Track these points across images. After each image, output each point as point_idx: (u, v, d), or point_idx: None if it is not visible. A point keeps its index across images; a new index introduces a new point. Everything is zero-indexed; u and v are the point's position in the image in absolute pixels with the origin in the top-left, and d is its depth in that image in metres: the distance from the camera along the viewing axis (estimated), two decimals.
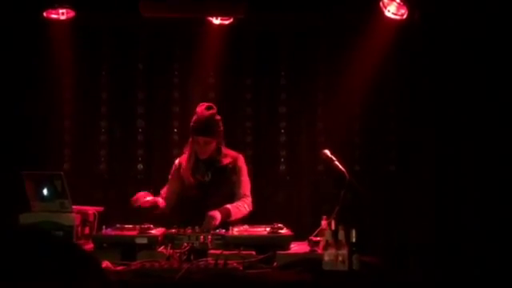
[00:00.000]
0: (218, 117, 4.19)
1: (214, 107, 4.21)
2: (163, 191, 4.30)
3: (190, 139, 4.20)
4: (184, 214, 4.19)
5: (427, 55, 5.22)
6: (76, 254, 0.73)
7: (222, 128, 4.20)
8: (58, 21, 5.10)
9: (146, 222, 3.65)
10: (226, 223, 3.85)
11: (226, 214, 3.95)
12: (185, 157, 4.27)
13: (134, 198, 3.97)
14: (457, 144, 5.09)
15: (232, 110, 5.57)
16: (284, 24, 5.45)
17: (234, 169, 4.22)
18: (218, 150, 4.19)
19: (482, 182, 4.98)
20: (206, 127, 4.09)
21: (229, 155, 4.24)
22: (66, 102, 5.48)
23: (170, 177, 4.35)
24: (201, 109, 4.17)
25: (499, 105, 4.96)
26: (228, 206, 4.02)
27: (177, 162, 4.34)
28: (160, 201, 4.12)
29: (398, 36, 5.15)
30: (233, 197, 4.18)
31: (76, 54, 5.36)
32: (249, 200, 4.20)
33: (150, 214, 4.02)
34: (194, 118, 4.15)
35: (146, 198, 3.97)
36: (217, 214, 3.86)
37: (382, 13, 5.01)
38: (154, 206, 4.04)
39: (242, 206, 4.13)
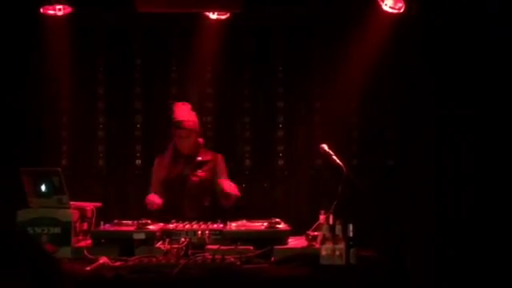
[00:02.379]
0: (194, 112, 4.45)
1: (188, 103, 4.50)
2: (151, 188, 4.44)
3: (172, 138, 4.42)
4: (164, 207, 4.28)
5: (425, 49, 5.20)
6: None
7: (198, 123, 4.44)
8: (54, 17, 5.08)
9: (143, 218, 3.66)
10: (224, 219, 3.87)
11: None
12: (166, 154, 4.46)
13: (148, 201, 4.15)
14: (456, 138, 5.08)
15: (230, 105, 5.57)
16: (281, 18, 5.44)
17: (214, 166, 4.39)
18: (197, 146, 4.40)
19: (482, 176, 4.98)
20: (184, 121, 4.33)
21: (208, 152, 4.48)
22: (63, 98, 5.47)
23: (152, 174, 4.49)
24: (179, 105, 4.46)
25: (500, 99, 4.95)
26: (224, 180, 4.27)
27: (157, 159, 4.53)
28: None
29: (395, 30, 5.13)
30: (209, 191, 4.35)
31: (73, 50, 5.34)
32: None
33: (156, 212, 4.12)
34: (174, 113, 4.40)
35: (157, 201, 4.14)
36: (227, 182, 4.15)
37: (380, 6, 5.00)
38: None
39: (234, 188, 4.24)
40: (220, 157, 4.48)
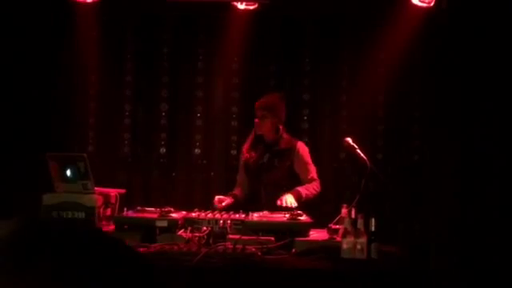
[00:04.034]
0: (282, 101, 4.38)
1: (282, 93, 4.47)
2: (238, 177, 4.46)
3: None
4: (248, 195, 4.35)
5: (454, 43, 5.13)
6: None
7: (283, 111, 4.36)
8: (84, 3, 5.13)
9: (166, 205, 3.68)
10: (266, 206, 3.90)
11: (298, 196, 4.02)
12: (247, 139, 4.44)
13: (216, 201, 4.09)
14: (483, 133, 5.01)
15: (255, 96, 5.56)
16: (309, 10, 5.41)
17: (291, 154, 4.30)
18: (277, 131, 4.29)
19: (509, 172, 4.91)
20: (264, 103, 4.28)
21: (288, 140, 4.35)
22: (91, 85, 5.52)
23: (239, 162, 4.49)
24: (270, 92, 4.47)
25: None
26: (299, 188, 4.11)
27: (242, 148, 4.49)
28: (236, 195, 4.26)
29: (424, 23, 5.07)
30: (287, 180, 4.25)
31: (101, 38, 5.39)
32: (317, 183, 4.28)
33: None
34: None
35: (220, 203, 4.07)
36: (290, 196, 3.95)
37: (409, 0, 4.95)
38: (234, 202, 4.18)
39: (312, 188, 4.20)
40: (299, 144, 4.38)
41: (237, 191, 4.32)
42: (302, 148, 4.36)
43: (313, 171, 4.32)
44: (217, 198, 4.11)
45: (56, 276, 0.79)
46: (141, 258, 0.89)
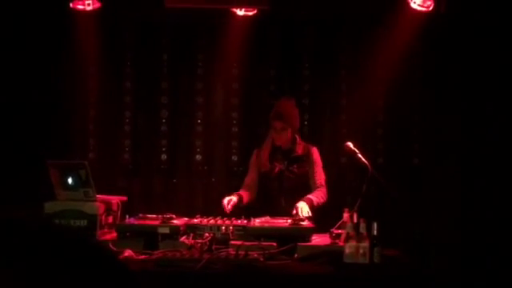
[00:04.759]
0: (296, 108, 4.38)
1: (293, 99, 4.44)
2: (247, 180, 4.43)
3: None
4: (260, 201, 4.34)
5: (453, 47, 5.15)
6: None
7: (298, 119, 4.38)
8: (84, 11, 5.14)
9: (168, 212, 3.68)
10: (248, 214, 3.88)
11: (311, 204, 4.02)
12: (264, 148, 4.40)
13: (223, 204, 4.06)
14: (482, 137, 5.02)
15: (255, 102, 5.57)
16: (308, 15, 5.42)
17: (308, 159, 4.32)
18: (294, 140, 4.32)
19: (509, 175, 4.92)
20: (282, 114, 4.26)
21: (304, 146, 4.36)
22: (91, 92, 5.52)
23: (250, 166, 4.48)
24: (282, 99, 4.45)
25: None
26: (310, 196, 4.10)
27: (255, 151, 4.47)
28: (241, 196, 4.21)
29: (423, 28, 5.09)
30: (305, 186, 4.27)
31: (101, 45, 5.40)
32: (324, 190, 4.28)
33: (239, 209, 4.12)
34: (275, 106, 4.36)
35: (229, 203, 4.04)
36: (304, 204, 3.93)
37: (408, 4, 4.96)
38: (239, 205, 4.15)
39: (321, 196, 4.20)
40: (314, 149, 4.38)
41: (243, 192, 4.29)
42: (317, 153, 4.39)
43: (323, 177, 4.34)
44: (226, 199, 4.08)
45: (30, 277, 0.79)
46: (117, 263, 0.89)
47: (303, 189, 4.25)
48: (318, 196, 4.17)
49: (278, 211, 3.94)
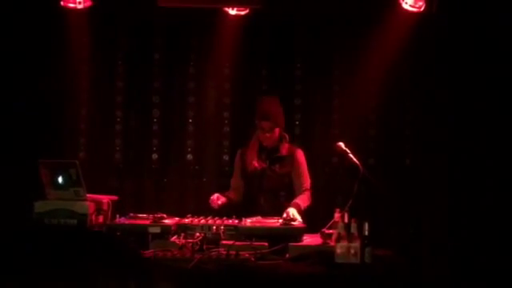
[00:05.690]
0: (281, 106, 4.35)
1: (277, 96, 4.40)
2: (232, 182, 4.43)
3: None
4: (244, 200, 4.34)
5: (444, 48, 5.17)
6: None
7: (283, 117, 4.35)
8: (75, 10, 5.12)
9: (159, 211, 3.67)
10: (264, 213, 3.89)
11: (299, 209, 4.00)
12: (248, 148, 4.38)
13: (214, 199, 4.09)
14: (472, 138, 5.04)
15: (247, 102, 5.56)
16: (300, 15, 5.42)
17: (292, 161, 4.30)
18: (281, 139, 4.32)
19: (499, 175, 4.94)
20: (269, 113, 4.23)
21: (289, 147, 4.35)
22: (82, 91, 5.49)
23: (234, 166, 4.48)
24: (266, 98, 4.41)
25: None
26: (297, 201, 4.09)
27: (239, 151, 4.46)
28: (230, 196, 4.26)
29: (415, 28, 5.10)
30: (286, 186, 4.28)
31: (92, 43, 5.37)
32: (309, 194, 4.27)
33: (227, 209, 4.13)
34: (259, 105, 4.31)
35: (218, 200, 4.07)
36: (295, 210, 3.92)
37: (400, 5, 4.98)
38: (228, 203, 4.18)
39: (306, 200, 4.19)
40: (298, 151, 4.37)
41: (231, 194, 4.31)
42: (302, 156, 4.37)
43: (308, 181, 4.33)
44: (216, 195, 4.09)
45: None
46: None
47: (283, 189, 4.28)
48: (304, 200, 4.17)
49: (256, 210, 3.94)
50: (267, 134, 4.25)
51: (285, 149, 4.31)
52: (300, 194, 4.24)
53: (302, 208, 4.07)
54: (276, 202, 4.19)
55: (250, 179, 4.32)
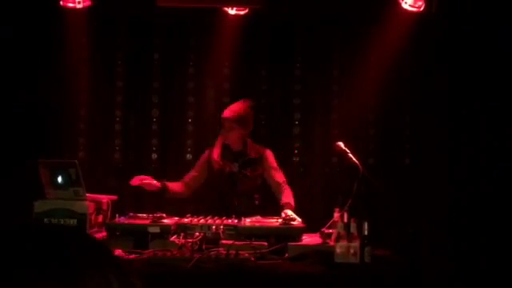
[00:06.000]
0: (251, 111, 4.33)
1: (249, 101, 4.37)
2: (187, 176, 4.39)
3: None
4: (209, 201, 4.33)
5: (444, 48, 5.16)
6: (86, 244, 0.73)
7: (250, 121, 4.32)
8: (74, 9, 5.11)
9: (158, 211, 3.67)
10: (239, 214, 3.87)
11: (292, 209, 3.99)
12: (215, 146, 4.37)
13: (135, 179, 4.02)
14: (472, 138, 5.04)
15: None
16: (299, 15, 5.42)
17: (262, 162, 4.30)
18: (245, 143, 4.30)
19: (499, 175, 4.93)
20: (232, 113, 4.23)
21: (256, 149, 4.34)
22: (82, 91, 5.49)
23: (197, 163, 4.45)
24: (237, 102, 4.38)
25: None
26: (289, 201, 4.07)
27: (207, 150, 4.44)
28: (166, 186, 4.17)
29: (414, 28, 5.10)
30: (260, 188, 4.29)
31: (92, 43, 5.37)
32: (289, 187, 4.26)
33: (164, 199, 4.08)
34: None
35: (143, 179, 4.01)
36: (292, 212, 3.89)
37: (399, 5, 4.97)
38: (162, 190, 4.13)
39: (292, 196, 4.17)
40: (267, 152, 4.36)
41: (173, 184, 4.26)
42: (271, 156, 4.37)
43: (283, 176, 4.32)
44: (142, 177, 4.04)
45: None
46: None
47: (257, 191, 4.30)
48: (291, 197, 4.15)
49: (231, 210, 3.92)
50: (227, 132, 4.25)
51: (253, 151, 4.30)
52: (280, 190, 4.20)
53: (293, 205, 4.06)
54: (250, 204, 4.20)
55: (220, 180, 4.27)
